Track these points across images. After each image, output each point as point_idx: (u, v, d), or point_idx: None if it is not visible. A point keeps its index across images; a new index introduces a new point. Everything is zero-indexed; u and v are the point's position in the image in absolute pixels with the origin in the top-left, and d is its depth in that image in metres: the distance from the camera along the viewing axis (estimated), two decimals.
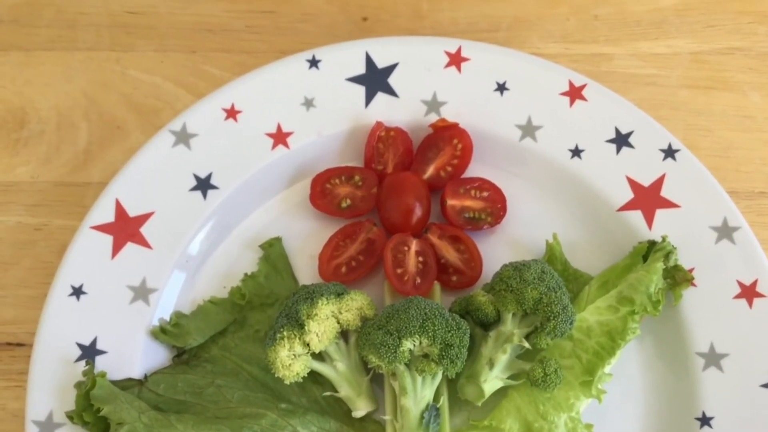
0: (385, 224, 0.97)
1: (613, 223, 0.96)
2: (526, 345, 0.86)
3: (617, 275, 0.93)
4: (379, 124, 0.98)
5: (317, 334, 0.87)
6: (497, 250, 0.98)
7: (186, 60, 1.08)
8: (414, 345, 0.85)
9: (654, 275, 0.90)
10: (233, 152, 0.96)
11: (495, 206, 0.99)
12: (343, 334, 0.90)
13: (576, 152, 0.98)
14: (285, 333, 0.86)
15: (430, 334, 0.84)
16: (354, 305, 0.89)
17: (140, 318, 0.91)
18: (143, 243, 0.93)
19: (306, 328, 0.86)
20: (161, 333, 0.91)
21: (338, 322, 0.88)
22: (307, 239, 0.99)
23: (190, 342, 0.92)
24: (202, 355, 0.92)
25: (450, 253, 0.97)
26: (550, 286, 0.88)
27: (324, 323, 0.87)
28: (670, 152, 0.98)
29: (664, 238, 0.94)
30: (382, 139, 0.99)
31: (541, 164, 0.99)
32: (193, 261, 0.96)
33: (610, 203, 0.97)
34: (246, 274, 0.97)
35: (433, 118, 0.99)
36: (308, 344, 0.86)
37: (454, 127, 0.99)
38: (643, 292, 0.89)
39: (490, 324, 0.90)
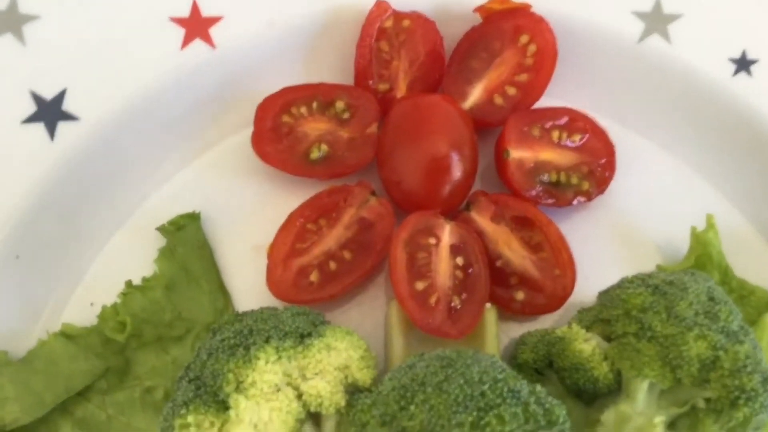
0: (393, 193, 0.75)
1: None
2: None
3: None
4: (381, 5, 0.77)
5: (255, 425, 0.57)
6: (598, 245, 0.75)
7: None
8: None
9: None
10: (106, 52, 0.74)
11: (596, 162, 0.74)
12: (312, 416, 0.61)
13: (742, 63, 0.75)
14: (191, 418, 0.57)
15: None
16: (331, 361, 0.60)
17: None
18: None
19: (232, 411, 0.57)
20: None
21: (299, 398, 0.59)
22: (247, 218, 0.77)
23: (13, 417, 0.67)
24: None
25: (514, 250, 0.71)
26: (729, 330, 0.60)
27: (269, 402, 0.57)
28: None
29: None
30: (387, 34, 0.77)
31: (677, 85, 0.77)
32: (29, 257, 0.72)
33: None
34: (129, 283, 0.73)
35: None
36: None
37: (522, 11, 0.77)
38: None
39: (600, 395, 0.63)
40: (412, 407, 0.55)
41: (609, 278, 0.69)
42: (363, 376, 0.61)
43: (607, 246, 0.75)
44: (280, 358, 0.60)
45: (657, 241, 0.76)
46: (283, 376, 0.59)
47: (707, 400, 0.60)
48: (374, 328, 0.72)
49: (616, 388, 0.63)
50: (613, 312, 0.63)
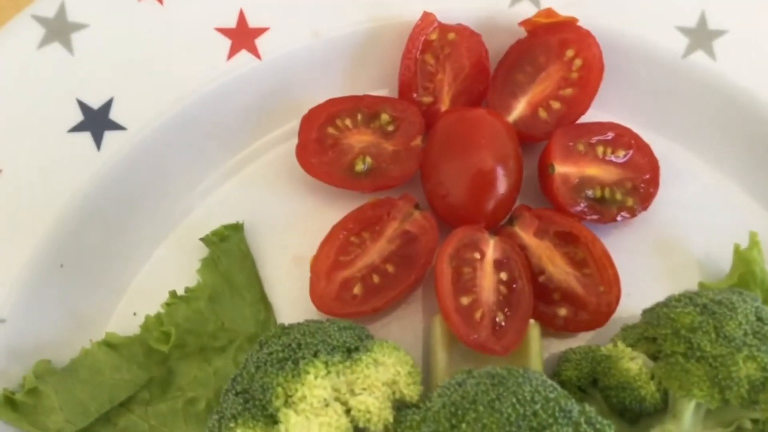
0: (437, 207, 0.74)
1: None
2: None
3: None
4: (427, 18, 0.76)
5: None
6: (638, 261, 0.73)
7: None
8: None
9: None
10: (153, 62, 0.74)
11: (640, 178, 0.74)
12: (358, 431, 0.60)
13: None
14: (240, 431, 0.58)
15: None
16: (379, 377, 0.59)
17: None
18: None
19: (282, 425, 0.57)
20: (6, 407, 0.67)
21: (348, 413, 0.58)
22: (290, 230, 0.76)
23: (58, 427, 0.66)
24: None
25: (557, 266, 0.70)
26: None
27: (318, 417, 0.57)
28: None
29: None
30: (432, 47, 0.77)
31: (721, 101, 0.76)
32: (74, 266, 0.72)
33: None
34: (172, 293, 0.72)
35: (529, 9, 0.77)
36: None
37: (569, 25, 0.76)
38: None
39: (645, 414, 0.62)
40: (464, 425, 0.54)
41: (650, 294, 0.68)
42: (410, 391, 0.61)
43: (647, 262, 0.74)
44: (329, 372, 0.59)
45: (699, 258, 0.74)
46: (332, 390, 0.59)
47: (754, 421, 0.59)
48: (414, 342, 0.71)
49: (662, 408, 0.62)
50: (661, 331, 0.62)
